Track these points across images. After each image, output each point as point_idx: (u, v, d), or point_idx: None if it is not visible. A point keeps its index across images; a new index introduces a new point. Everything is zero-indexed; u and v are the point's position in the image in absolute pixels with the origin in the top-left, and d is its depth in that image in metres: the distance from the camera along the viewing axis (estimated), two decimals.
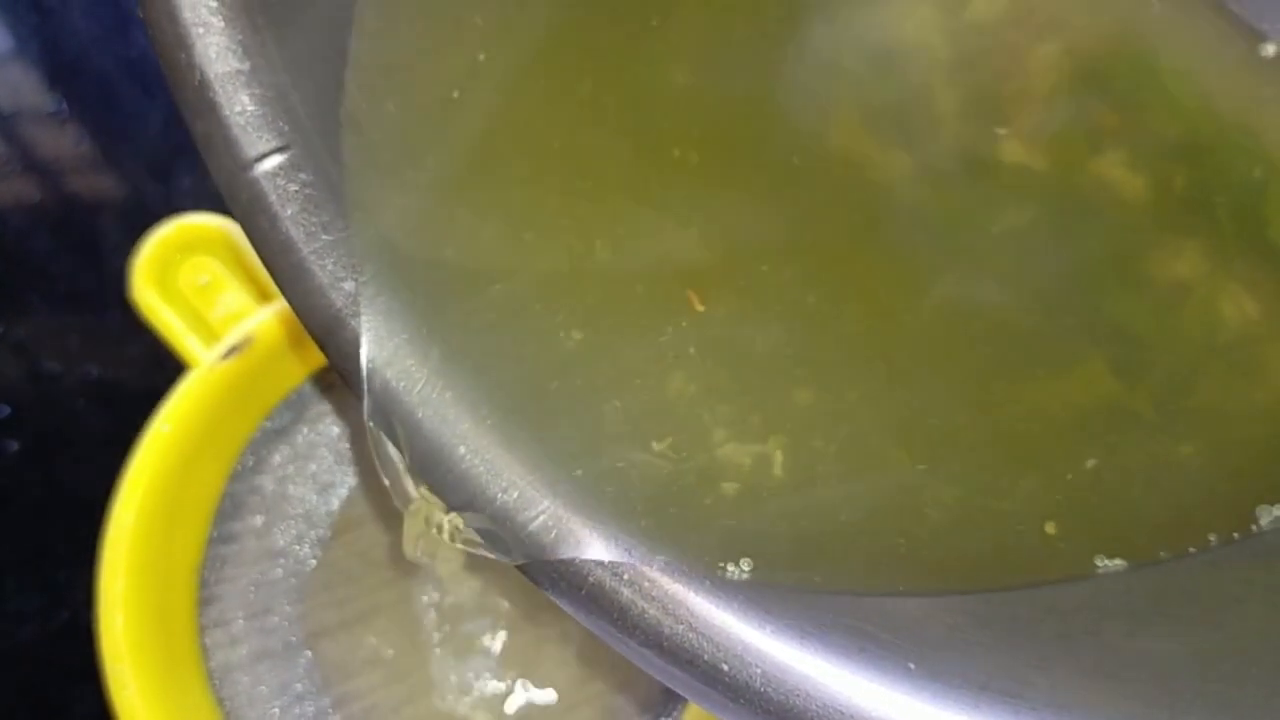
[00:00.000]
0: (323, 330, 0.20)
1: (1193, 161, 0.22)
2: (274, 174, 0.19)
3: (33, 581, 0.42)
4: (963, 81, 0.23)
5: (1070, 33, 0.23)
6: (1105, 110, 0.23)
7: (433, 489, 0.19)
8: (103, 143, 0.45)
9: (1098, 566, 0.20)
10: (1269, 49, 0.23)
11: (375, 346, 0.19)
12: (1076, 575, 0.20)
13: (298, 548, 0.36)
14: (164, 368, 0.34)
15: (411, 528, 0.20)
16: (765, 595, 0.18)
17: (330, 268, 0.19)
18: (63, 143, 0.45)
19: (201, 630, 0.34)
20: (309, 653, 0.36)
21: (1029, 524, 0.21)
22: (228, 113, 0.19)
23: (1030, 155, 0.23)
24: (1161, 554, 0.21)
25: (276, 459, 0.36)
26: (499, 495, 0.19)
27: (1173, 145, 0.22)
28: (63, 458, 0.42)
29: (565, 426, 0.20)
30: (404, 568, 0.36)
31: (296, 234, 0.19)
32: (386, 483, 0.19)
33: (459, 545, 0.19)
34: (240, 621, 0.35)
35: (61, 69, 0.46)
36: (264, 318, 0.34)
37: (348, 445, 0.37)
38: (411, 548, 0.20)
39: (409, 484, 0.19)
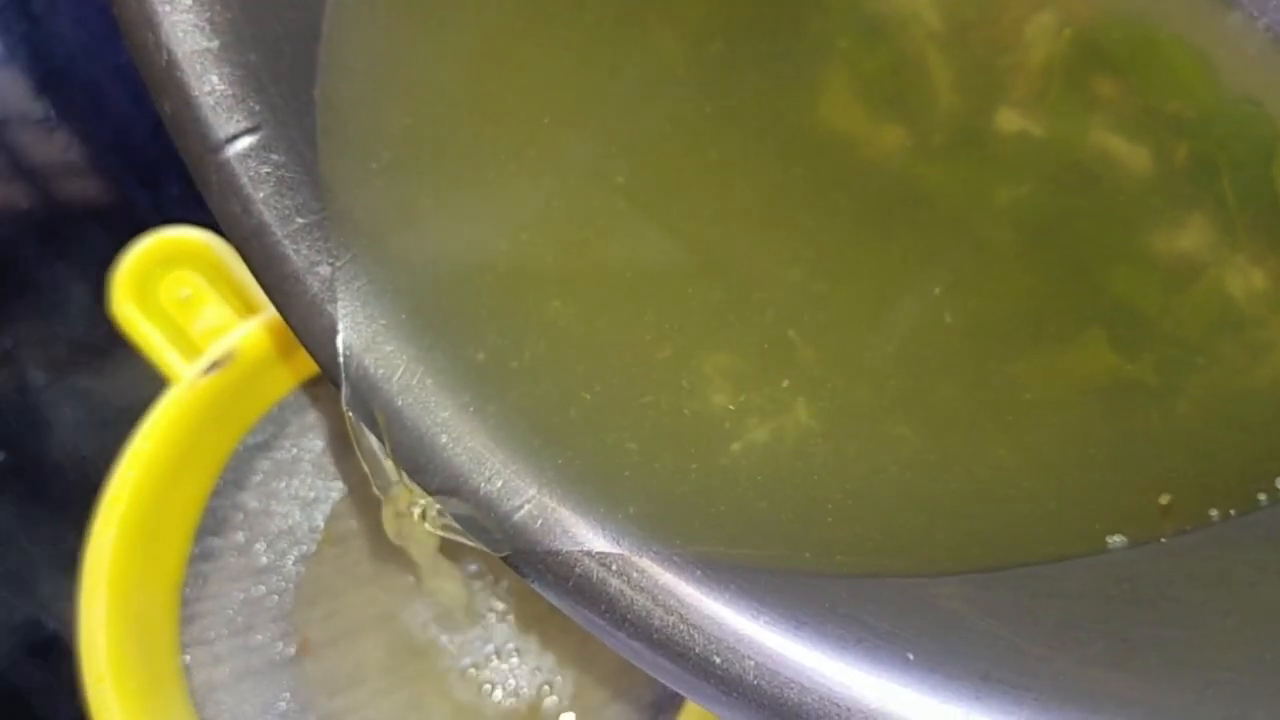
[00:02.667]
0: (298, 316, 0.19)
1: (1195, 132, 0.22)
2: (245, 155, 0.19)
3: (15, 595, 0.41)
4: (957, 53, 0.22)
5: (1067, 1, 0.22)
6: (1105, 80, 0.22)
7: (414, 477, 0.18)
8: (91, 150, 0.45)
9: (1109, 543, 0.20)
10: (1261, 23, 0.22)
11: (352, 332, 0.19)
12: (1087, 552, 0.20)
13: (281, 564, 0.36)
14: (151, 379, 0.34)
15: (391, 509, 0.19)
16: (758, 583, 0.18)
17: (305, 252, 0.19)
18: (51, 150, 0.45)
19: (183, 648, 0.34)
20: (293, 670, 0.35)
21: (1037, 498, 0.20)
22: (196, 92, 0.19)
23: (1029, 128, 0.22)
24: (1171, 528, 0.20)
25: (258, 474, 0.36)
26: (482, 484, 0.19)
27: (1174, 115, 0.22)
28: (47, 469, 0.42)
29: (550, 412, 0.19)
30: (390, 583, 0.36)
31: (270, 217, 0.19)
32: (366, 469, 0.19)
33: (439, 532, 0.18)
34: (223, 639, 0.35)
35: (50, 76, 0.46)
36: (245, 332, 0.33)
37: (330, 460, 0.36)
38: (392, 530, 0.19)
39: (390, 469, 0.19)
